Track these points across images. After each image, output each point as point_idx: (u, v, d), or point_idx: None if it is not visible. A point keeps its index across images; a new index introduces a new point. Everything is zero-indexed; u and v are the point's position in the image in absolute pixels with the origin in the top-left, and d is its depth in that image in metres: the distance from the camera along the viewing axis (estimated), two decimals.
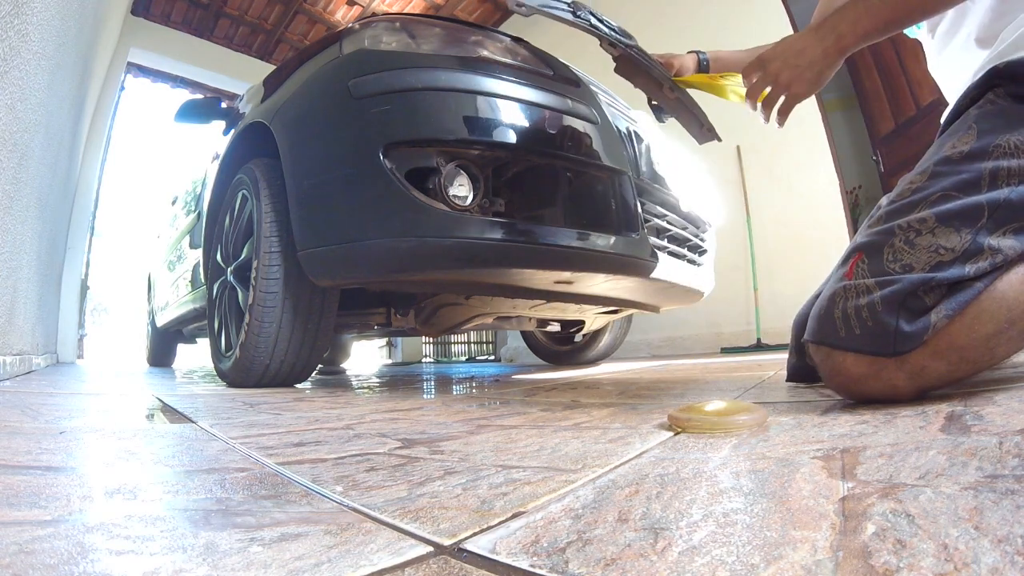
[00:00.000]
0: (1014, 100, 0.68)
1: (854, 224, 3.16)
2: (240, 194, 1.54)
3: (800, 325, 0.92)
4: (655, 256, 1.36)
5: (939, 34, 0.88)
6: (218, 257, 1.67)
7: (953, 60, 0.84)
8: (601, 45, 1.09)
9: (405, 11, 4.94)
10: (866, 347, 0.62)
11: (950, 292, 0.61)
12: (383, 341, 6.63)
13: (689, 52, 1.23)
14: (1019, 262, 0.61)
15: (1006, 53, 0.71)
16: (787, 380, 0.96)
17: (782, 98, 0.82)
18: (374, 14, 2.30)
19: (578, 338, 2.76)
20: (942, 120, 0.80)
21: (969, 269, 0.60)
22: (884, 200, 0.99)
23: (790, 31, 3.16)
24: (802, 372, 0.92)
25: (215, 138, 2.01)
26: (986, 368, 0.64)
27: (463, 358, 6.33)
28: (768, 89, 0.82)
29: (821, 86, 0.80)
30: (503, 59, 1.23)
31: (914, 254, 0.63)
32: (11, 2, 1.23)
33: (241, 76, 5.11)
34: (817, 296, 0.86)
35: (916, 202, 0.66)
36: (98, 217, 4.90)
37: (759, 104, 0.85)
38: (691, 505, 0.33)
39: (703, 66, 1.19)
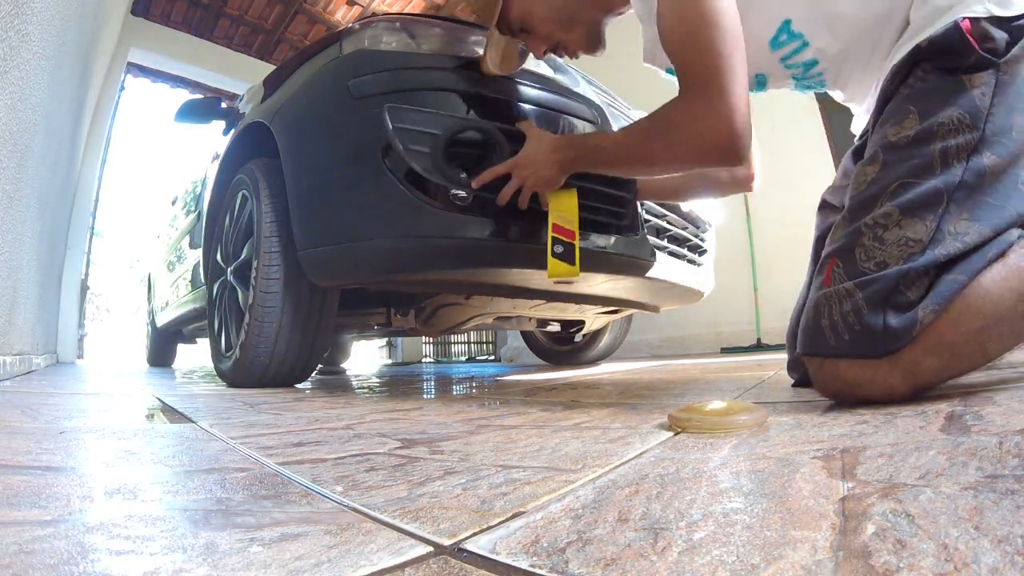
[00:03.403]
0: (942, 73, 0.67)
1: None
2: (240, 194, 1.54)
3: (793, 339, 0.92)
4: (653, 255, 1.36)
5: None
6: (218, 257, 1.67)
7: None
8: None
9: (405, 11, 4.94)
10: (857, 351, 0.62)
11: (932, 286, 0.61)
12: (383, 341, 6.64)
13: None
14: (999, 258, 0.62)
15: (921, 29, 0.71)
16: (793, 387, 0.96)
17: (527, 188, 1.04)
18: (374, 14, 2.30)
19: (578, 338, 2.76)
20: (871, 107, 0.80)
21: (939, 251, 0.61)
22: (826, 194, 1.01)
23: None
24: (807, 382, 0.93)
25: (215, 138, 2.01)
26: (981, 366, 0.64)
27: (463, 358, 6.33)
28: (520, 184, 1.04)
29: (556, 185, 1.04)
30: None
31: (885, 250, 0.63)
32: (11, 2, 1.23)
33: (241, 76, 5.11)
34: (802, 307, 0.86)
35: (876, 194, 0.66)
36: (98, 217, 4.90)
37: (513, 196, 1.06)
38: (691, 505, 0.33)
39: None
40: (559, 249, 1.03)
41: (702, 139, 0.79)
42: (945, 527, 0.26)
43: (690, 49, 0.77)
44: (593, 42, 0.98)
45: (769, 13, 0.83)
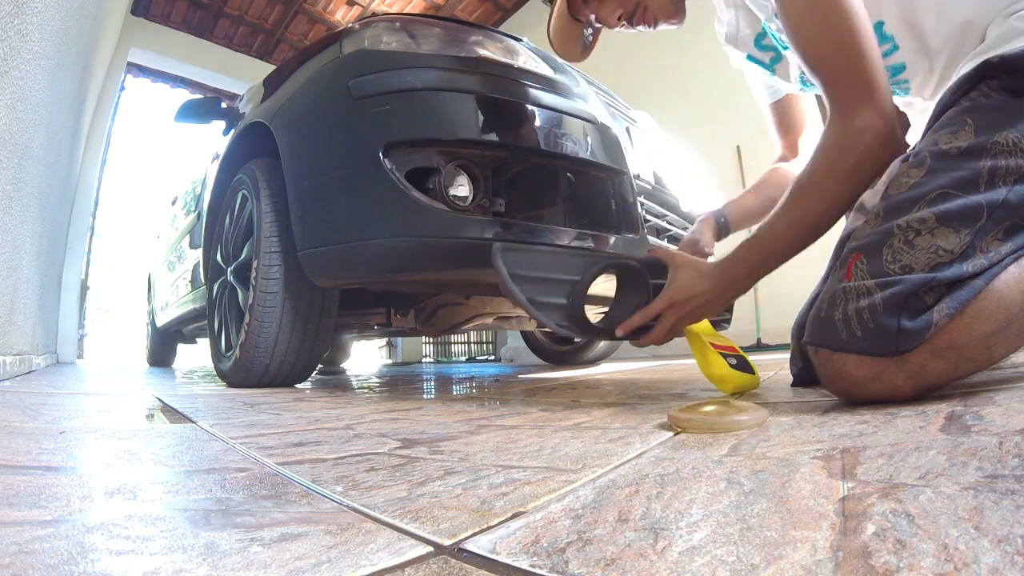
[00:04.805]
0: (1009, 94, 0.66)
1: None
2: (240, 194, 1.54)
3: (799, 331, 0.91)
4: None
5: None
6: (218, 257, 1.68)
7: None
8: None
9: (405, 11, 4.94)
10: (868, 349, 0.62)
11: (949, 290, 0.61)
12: (383, 341, 6.63)
13: (705, 217, 1.20)
14: (1014, 261, 0.61)
15: (994, 46, 0.70)
16: (792, 385, 0.96)
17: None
18: (374, 14, 2.30)
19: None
20: (930, 111, 0.80)
21: (967, 267, 0.61)
22: (865, 196, 1.00)
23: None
24: (807, 378, 0.92)
25: (215, 138, 2.01)
26: (984, 368, 0.64)
27: (463, 358, 6.33)
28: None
29: (715, 314, 0.93)
30: (503, 59, 1.23)
31: (913, 254, 0.62)
32: (11, 2, 1.23)
33: (241, 76, 5.11)
34: (814, 300, 0.86)
35: (915, 198, 0.66)
36: (98, 217, 4.90)
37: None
38: (691, 505, 0.33)
39: (722, 226, 1.18)
40: (732, 362, 0.93)
41: (875, 146, 0.73)
42: (945, 527, 0.26)
43: (837, 53, 0.73)
44: (677, 2, 0.93)
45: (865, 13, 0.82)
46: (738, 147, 3.51)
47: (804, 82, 0.97)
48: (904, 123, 0.73)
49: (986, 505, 0.28)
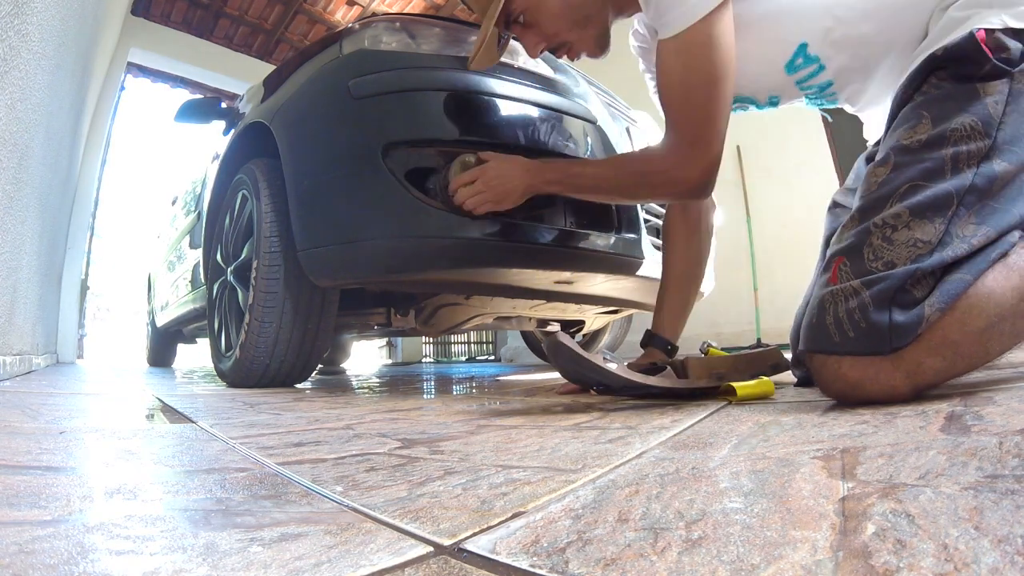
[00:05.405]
0: (957, 81, 0.68)
1: None
2: (240, 194, 1.54)
3: (797, 336, 0.92)
4: (643, 255, 1.36)
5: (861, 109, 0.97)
6: (218, 257, 1.67)
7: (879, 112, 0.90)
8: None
9: (405, 11, 4.94)
10: (862, 349, 0.62)
11: (938, 284, 0.61)
12: (383, 341, 6.63)
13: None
14: (1001, 259, 0.62)
15: (937, 40, 0.72)
16: (796, 386, 0.96)
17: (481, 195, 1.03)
18: (374, 14, 2.30)
19: (578, 338, 2.76)
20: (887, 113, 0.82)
21: (948, 253, 0.62)
22: (837, 195, 1.03)
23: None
24: (810, 379, 0.93)
25: (215, 138, 2.01)
26: (981, 365, 0.64)
27: (463, 358, 6.33)
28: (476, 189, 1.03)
29: (513, 201, 1.03)
30: (502, 59, 1.23)
31: (894, 250, 0.63)
32: (11, 2, 1.23)
33: (241, 76, 5.11)
34: (807, 305, 0.86)
35: (886, 196, 0.67)
36: (98, 217, 4.90)
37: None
38: (691, 505, 0.33)
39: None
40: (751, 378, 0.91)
41: (684, 184, 0.92)
42: (945, 527, 0.26)
43: (686, 107, 0.86)
44: (603, 43, 0.95)
45: (786, 37, 0.85)
46: (738, 147, 3.51)
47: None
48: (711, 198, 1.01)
49: (986, 505, 0.28)
